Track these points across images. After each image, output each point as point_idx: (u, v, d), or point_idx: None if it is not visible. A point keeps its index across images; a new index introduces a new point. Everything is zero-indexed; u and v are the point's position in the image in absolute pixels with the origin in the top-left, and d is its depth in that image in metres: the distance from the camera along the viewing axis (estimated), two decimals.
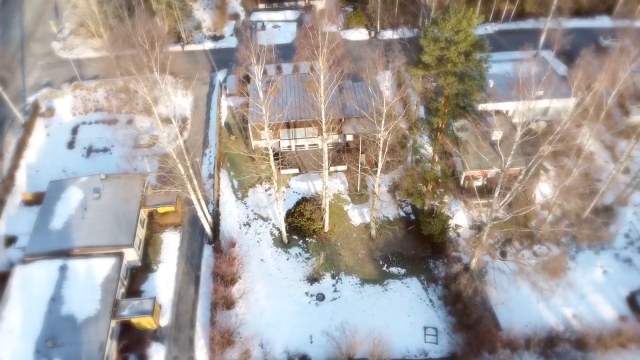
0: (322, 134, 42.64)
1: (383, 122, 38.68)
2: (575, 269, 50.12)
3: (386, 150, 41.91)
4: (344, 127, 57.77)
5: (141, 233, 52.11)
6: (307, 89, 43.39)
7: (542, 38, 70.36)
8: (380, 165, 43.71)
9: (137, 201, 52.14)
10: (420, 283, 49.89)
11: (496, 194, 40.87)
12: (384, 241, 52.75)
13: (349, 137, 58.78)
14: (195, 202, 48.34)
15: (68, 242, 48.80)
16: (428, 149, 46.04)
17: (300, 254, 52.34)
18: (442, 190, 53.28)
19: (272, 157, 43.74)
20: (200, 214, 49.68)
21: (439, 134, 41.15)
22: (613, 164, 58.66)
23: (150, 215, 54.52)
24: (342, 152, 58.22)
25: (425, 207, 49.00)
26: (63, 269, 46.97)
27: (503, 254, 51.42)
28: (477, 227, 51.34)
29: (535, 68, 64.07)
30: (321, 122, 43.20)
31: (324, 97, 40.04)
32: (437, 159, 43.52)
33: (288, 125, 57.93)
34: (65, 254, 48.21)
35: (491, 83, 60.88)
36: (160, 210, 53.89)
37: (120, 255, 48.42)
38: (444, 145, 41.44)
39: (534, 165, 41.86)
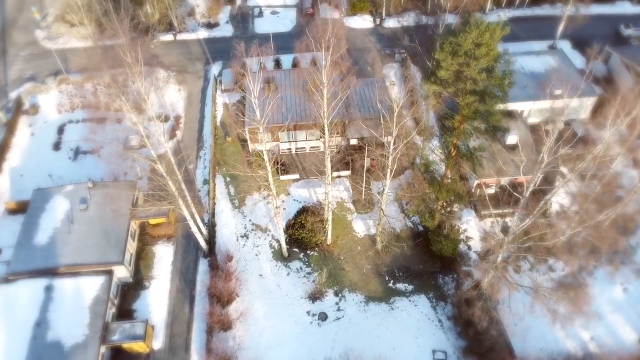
0: (326, 148, 38.88)
1: (392, 142, 34.93)
2: (593, 286, 47.24)
3: (394, 168, 38.31)
4: (348, 130, 53.86)
5: (132, 247, 48.98)
6: (309, 102, 39.34)
7: (560, 27, 65.45)
8: (388, 183, 40.17)
9: (127, 212, 48.81)
10: (429, 301, 47.08)
11: (515, 218, 37.52)
12: (390, 255, 49.65)
13: (353, 141, 54.93)
14: (188, 217, 45.04)
15: (54, 260, 45.72)
16: (441, 165, 42.46)
17: (301, 268, 49.35)
18: (452, 198, 49.98)
19: (271, 179, 40.04)
20: (194, 229, 46.43)
21: (453, 149, 37.42)
22: (634, 170, 55.22)
23: (142, 226, 51.26)
24: (346, 156, 54.28)
25: (436, 222, 45.65)
26: (49, 289, 44.03)
27: (517, 270, 48.51)
28: (489, 250, 48.13)
29: (552, 62, 60.21)
30: (324, 132, 39.50)
31: (327, 112, 36.20)
32: (449, 175, 39.91)
33: (287, 128, 54.04)
34: (50, 272, 45.20)
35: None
36: (152, 221, 50.59)
37: (109, 273, 45.45)
38: (459, 166, 37.83)
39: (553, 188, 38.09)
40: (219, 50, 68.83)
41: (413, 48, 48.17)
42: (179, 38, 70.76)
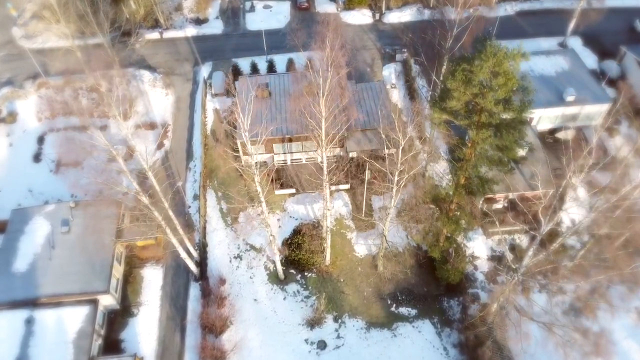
0: (324, 181, 35.67)
1: (397, 175, 31.71)
2: (606, 310, 44.74)
3: (398, 197, 35.20)
4: (347, 143, 50.46)
5: (118, 271, 46.06)
6: (307, 131, 35.93)
7: (572, 23, 61.22)
8: (391, 213, 37.12)
9: (112, 235, 45.75)
10: (433, 327, 44.63)
11: (530, 252, 34.71)
12: (393, 277, 46.90)
13: (353, 153, 51.60)
14: (177, 245, 42.07)
15: (34, 289, 42.87)
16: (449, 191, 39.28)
17: (298, 291, 46.68)
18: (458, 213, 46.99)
19: (265, 212, 36.86)
20: (184, 255, 43.55)
21: (462, 179, 34.21)
22: None
23: (129, 246, 48.21)
24: (345, 169, 50.96)
25: (442, 248, 42.78)
26: (29, 323, 41.32)
27: (525, 291, 45.93)
28: (497, 269, 45.46)
29: (563, 63, 56.61)
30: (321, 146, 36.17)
31: (325, 142, 32.87)
32: (457, 201, 36.81)
33: (282, 140, 50.66)
34: (31, 303, 42.41)
35: None
36: (140, 243, 47.55)
37: (94, 303, 42.71)
38: (472, 203, 34.76)
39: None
40: (208, 49, 64.75)
41: (421, 63, 44.12)
42: (165, 36, 66.42)
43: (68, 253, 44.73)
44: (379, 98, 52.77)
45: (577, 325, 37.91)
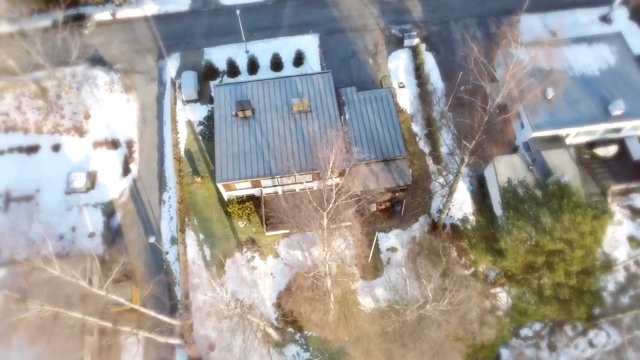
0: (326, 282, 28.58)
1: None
2: None
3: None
4: (349, 180, 42.13)
5: (92, 343, 40.21)
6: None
7: None
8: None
9: (79, 304, 39.10)
10: None
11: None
12: (403, 333, 41.63)
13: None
14: (156, 337, 35.87)
15: None
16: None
17: (298, 354, 41.63)
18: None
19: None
20: (163, 340, 37.52)
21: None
22: None
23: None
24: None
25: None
26: None
27: (552, 347, 41.24)
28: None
29: (609, 57, 46.86)
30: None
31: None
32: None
33: (272, 177, 42.22)
34: None
35: (550, 93, 43.76)
36: (114, 309, 41.06)
37: None
38: None
39: None
40: (173, 34, 52.76)
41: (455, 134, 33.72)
42: (119, 16, 53.64)
43: (27, 334, 38.38)
44: (387, 115, 43.57)
45: None
